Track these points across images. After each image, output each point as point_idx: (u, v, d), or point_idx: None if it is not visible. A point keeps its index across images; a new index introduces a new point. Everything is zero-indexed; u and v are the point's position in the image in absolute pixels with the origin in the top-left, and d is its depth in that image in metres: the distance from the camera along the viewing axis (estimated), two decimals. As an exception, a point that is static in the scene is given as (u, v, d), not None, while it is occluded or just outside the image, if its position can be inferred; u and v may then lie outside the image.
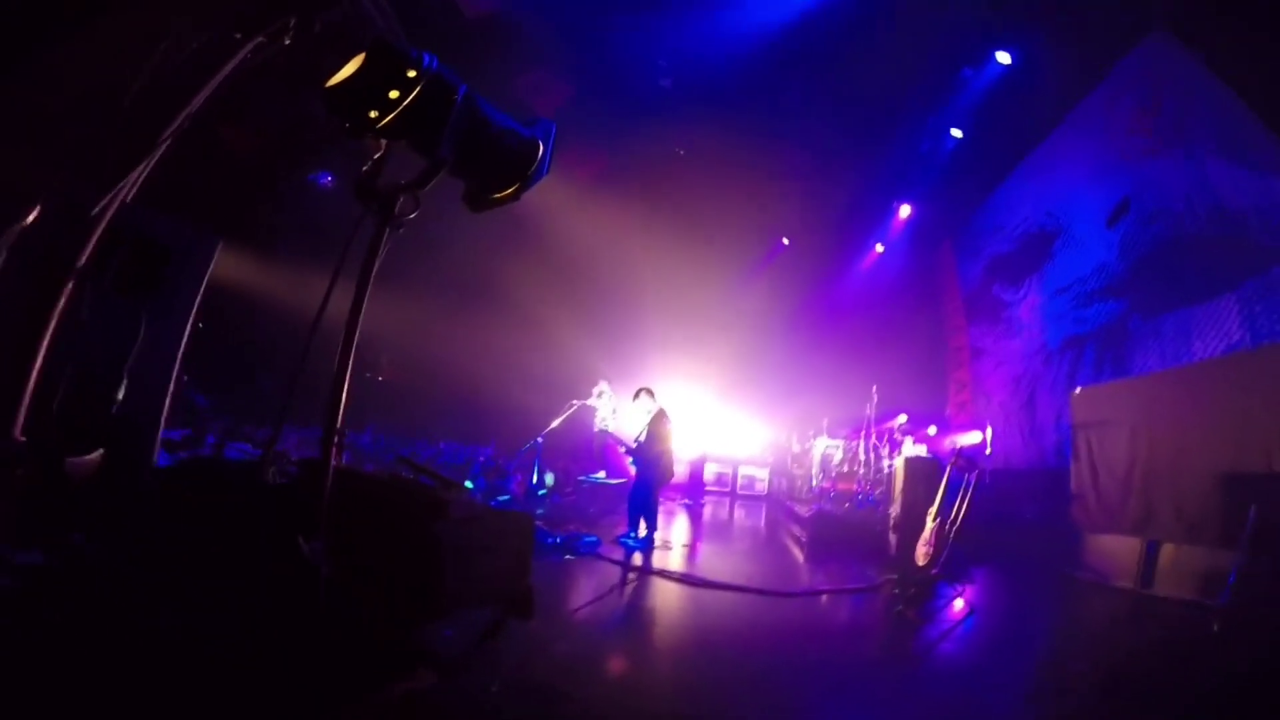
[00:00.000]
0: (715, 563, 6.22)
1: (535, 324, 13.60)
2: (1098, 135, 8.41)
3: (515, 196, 1.69)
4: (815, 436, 10.73)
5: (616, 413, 9.56)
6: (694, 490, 11.80)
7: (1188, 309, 6.40)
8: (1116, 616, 4.76)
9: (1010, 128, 10.31)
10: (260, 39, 1.37)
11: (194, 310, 4.19)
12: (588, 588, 4.80)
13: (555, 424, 8.33)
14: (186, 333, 4.16)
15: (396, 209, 1.50)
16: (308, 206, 10.70)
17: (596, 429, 9.68)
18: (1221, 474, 4.43)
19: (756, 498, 12.91)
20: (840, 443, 9.90)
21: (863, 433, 9.55)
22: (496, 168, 1.66)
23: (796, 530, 8.35)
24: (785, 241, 15.43)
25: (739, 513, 11.39)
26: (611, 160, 12.46)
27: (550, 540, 5.90)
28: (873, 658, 3.81)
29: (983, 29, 8.70)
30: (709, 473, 12.73)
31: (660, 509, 7.27)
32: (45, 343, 2.41)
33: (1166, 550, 5.04)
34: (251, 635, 1.55)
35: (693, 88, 10.61)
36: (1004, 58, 9.03)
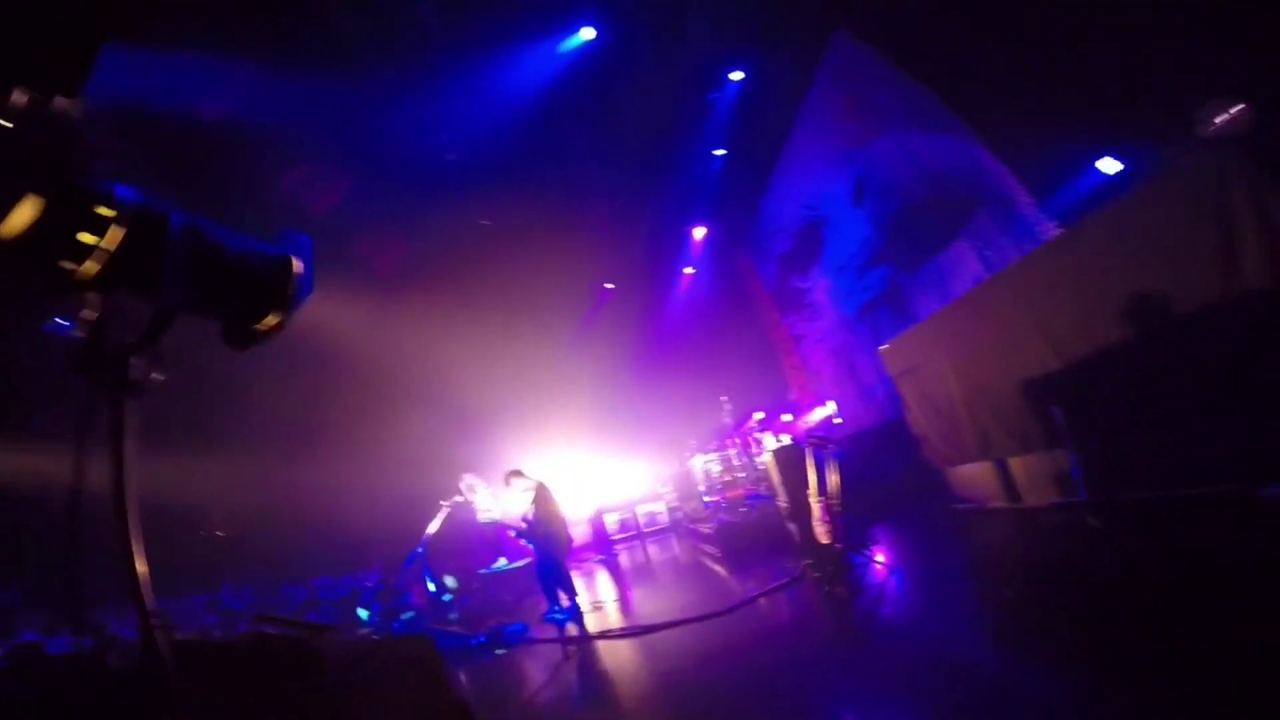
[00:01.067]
0: (648, 606, 6.26)
1: (385, 437, 12.73)
2: (823, 129, 9.78)
3: (282, 325, 1.46)
4: (690, 457, 11.14)
5: (497, 498, 9.31)
6: (603, 544, 11.74)
7: (935, 259, 7.70)
8: (1006, 535, 5.02)
9: (760, 138, 11.50)
10: None
11: None
12: (535, 673, 4.59)
13: (432, 529, 8.07)
14: None
15: (132, 375, 1.22)
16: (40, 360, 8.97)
17: (482, 520, 9.30)
18: (1022, 383, 4.90)
19: (663, 531, 13.08)
20: (714, 455, 10.29)
21: (728, 439, 10.11)
22: (245, 298, 1.43)
23: (708, 549, 8.60)
24: (610, 286, 16.15)
25: (652, 550, 11.47)
26: (415, 246, 12.13)
27: (475, 641, 5.64)
28: (827, 639, 4.00)
29: (712, 56, 9.71)
30: (611, 523, 12.73)
31: (575, 572, 7.13)
32: None
33: (1015, 465, 5.39)
34: None
35: (479, 156, 10.73)
36: (737, 75, 10.13)
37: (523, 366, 14.72)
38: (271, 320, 1.42)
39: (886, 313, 9.51)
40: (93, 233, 1.15)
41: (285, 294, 1.42)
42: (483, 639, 5.78)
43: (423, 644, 2.50)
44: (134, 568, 1.19)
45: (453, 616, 7.58)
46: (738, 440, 10.02)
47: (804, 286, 12.37)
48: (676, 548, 10.85)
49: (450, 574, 9.23)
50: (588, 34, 9.18)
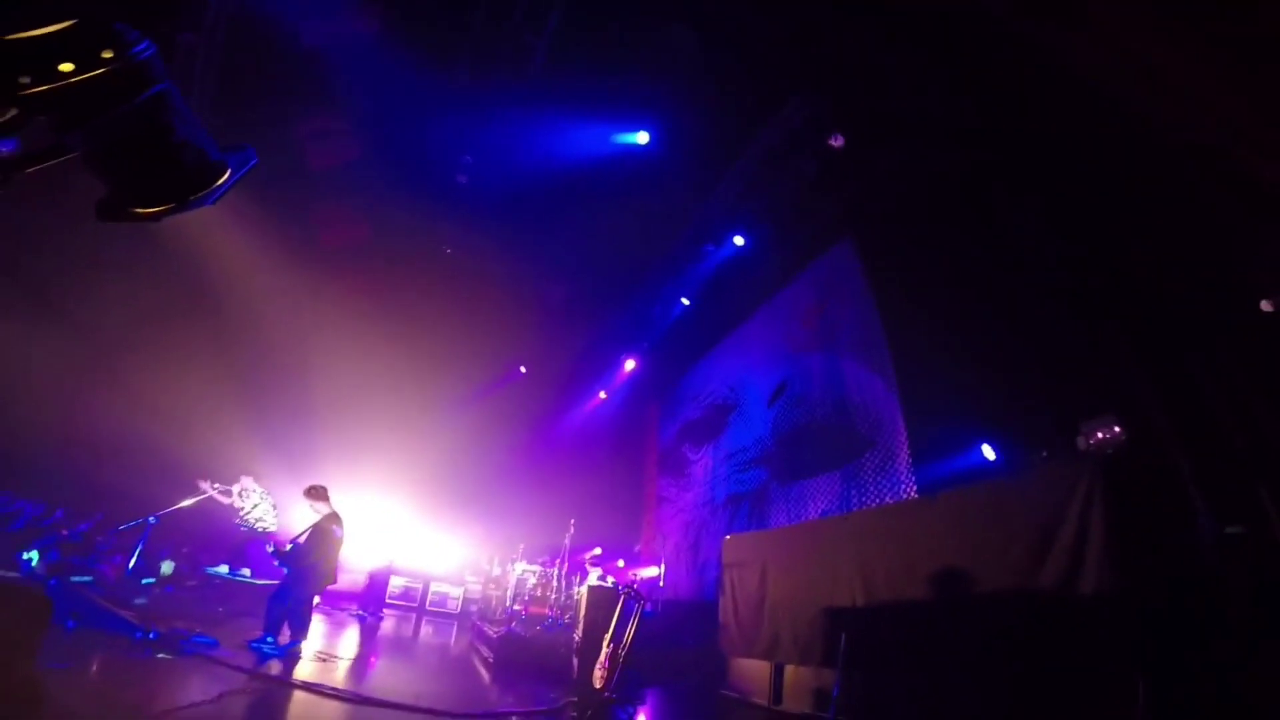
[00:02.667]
0: (386, 680, 5.55)
1: (190, 387, 11.20)
2: (780, 325, 10.21)
3: (156, 217, 1.43)
4: (514, 560, 10.73)
5: (273, 509, 8.57)
6: (372, 601, 10.53)
7: (808, 480, 8.09)
8: None
9: (726, 306, 11.85)
10: None
11: None
12: (185, 691, 3.61)
13: (183, 504, 7.23)
14: None
15: None
16: None
17: (245, 529, 8.35)
18: (825, 608, 5.39)
19: (448, 615, 12.21)
20: (537, 568, 10.01)
21: (558, 560, 9.85)
22: (154, 180, 1.41)
23: (485, 650, 8.05)
24: (523, 370, 15.90)
25: (425, 629, 10.57)
26: (371, 232, 11.76)
27: (139, 634, 4.81)
28: None
29: (731, 213, 10.05)
30: (394, 585, 11.53)
31: (326, 618, 6.15)
32: None
33: (789, 671, 5.82)
34: None
35: (482, 194, 10.70)
36: (739, 240, 10.35)
37: (395, 399, 13.81)
38: (158, 210, 1.36)
39: (746, 510, 9.74)
40: (77, 65, 1.14)
41: (193, 196, 1.38)
42: (154, 635, 4.87)
43: (32, 599, 2.28)
44: None
45: (139, 601, 6.55)
46: (565, 565, 9.79)
47: (691, 458, 12.58)
48: (453, 637, 10.08)
49: (172, 560, 8.21)
50: (642, 138, 9.48)
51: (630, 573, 10.97)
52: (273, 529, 8.37)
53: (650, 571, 10.73)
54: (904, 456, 6.60)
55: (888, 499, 6.46)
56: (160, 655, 4.47)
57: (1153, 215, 4.74)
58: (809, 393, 8.82)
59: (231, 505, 8.13)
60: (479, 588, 12.65)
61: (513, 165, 10.13)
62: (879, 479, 6.81)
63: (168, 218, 1.38)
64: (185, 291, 10.90)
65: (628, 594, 5.83)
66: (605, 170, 9.85)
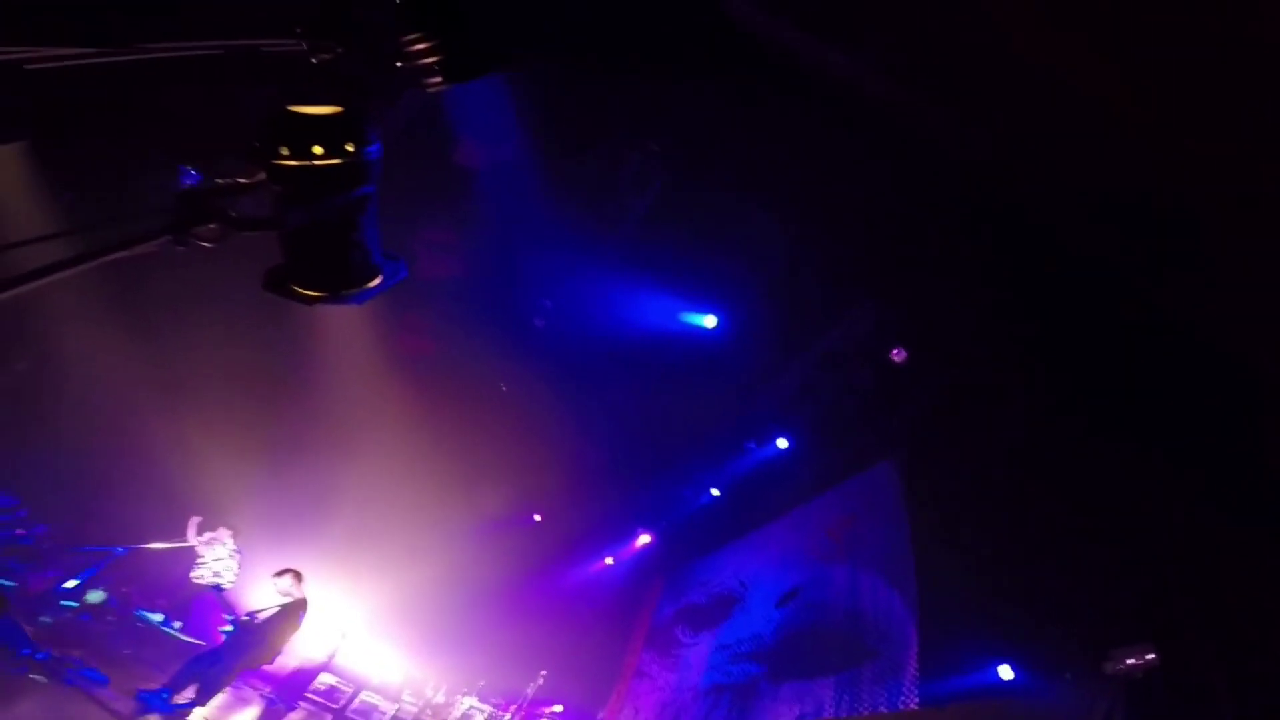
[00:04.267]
0: None
1: (215, 430, 11.24)
2: (805, 532, 9.86)
3: (310, 301, 1.60)
4: (465, 694, 10.16)
5: (235, 568, 8.23)
6: (290, 690, 9.62)
7: (800, 682, 7.41)
8: None
9: (754, 503, 11.36)
10: (302, 45, 1.33)
11: None
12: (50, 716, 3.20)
13: (160, 546, 7.37)
14: None
15: (199, 231, 1.39)
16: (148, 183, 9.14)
17: (202, 580, 7.97)
18: None
19: None
20: (488, 709, 9.61)
21: (514, 707, 9.48)
22: (323, 267, 1.58)
23: None
24: (537, 518, 15.48)
25: None
26: (435, 348, 12.28)
27: (28, 651, 4.52)
28: None
29: (780, 414, 10.04)
30: (320, 680, 10.54)
31: (231, 691, 5.64)
32: None
33: None
34: None
35: (552, 341, 10.93)
36: (783, 444, 10.21)
37: (399, 500, 13.59)
38: (313, 295, 1.56)
39: (728, 702, 8.90)
40: (325, 150, 1.37)
41: (346, 291, 1.57)
42: (41, 656, 4.68)
43: None
44: None
45: (44, 619, 6.21)
46: (521, 713, 9.44)
47: (684, 641, 11.81)
48: None
49: (104, 589, 7.63)
50: (710, 321, 9.62)
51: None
52: (227, 587, 7.99)
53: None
54: (910, 669, 6.01)
55: (883, 709, 5.91)
56: (34, 676, 4.06)
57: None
58: (821, 599, 8.37)
59: (194, 549, 7.88)
60: (415, 710, 11.27)
61: (586, 321, 10.52)
62: (876, 689, 6.27)
63: (318, 304, 1.56)
64: (260, 348, 11.58)
65: None
66: (668, 346, 10.08)
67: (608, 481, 13.75)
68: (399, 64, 1.50)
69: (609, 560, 15.45)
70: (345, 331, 11.55)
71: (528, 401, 12.27)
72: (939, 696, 5.34)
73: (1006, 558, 5.63)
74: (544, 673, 9.66)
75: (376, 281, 1.59)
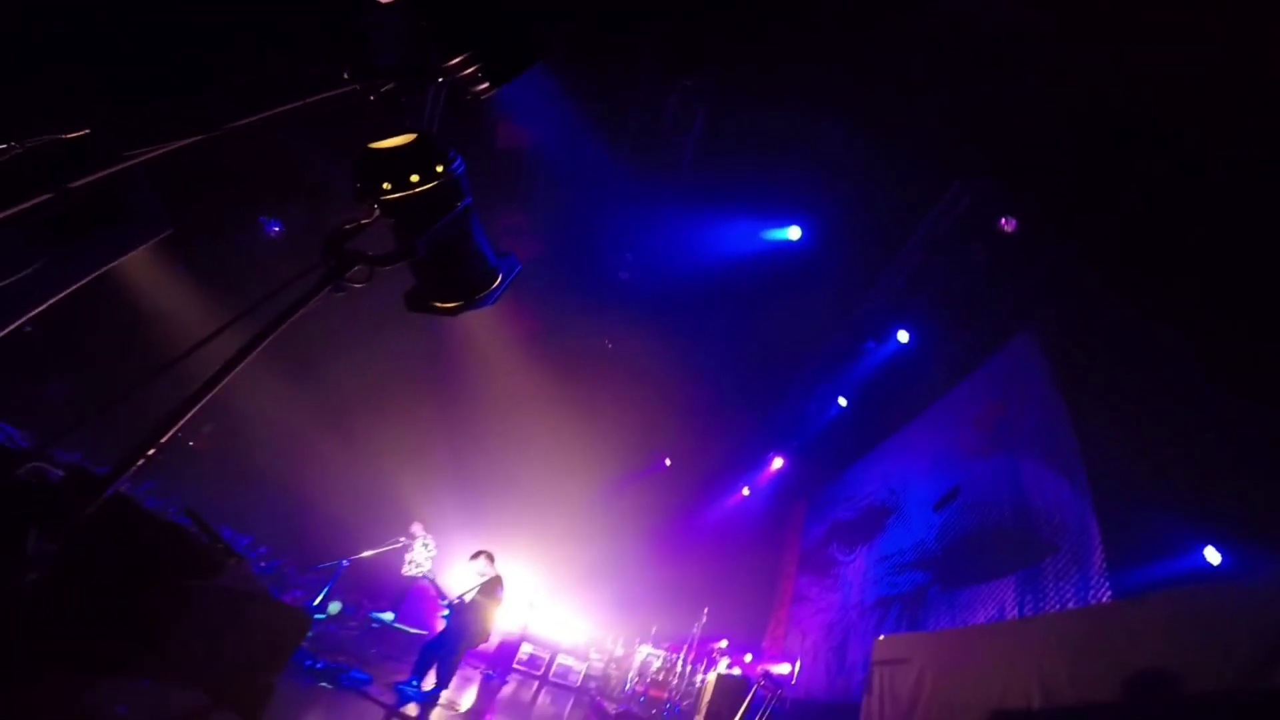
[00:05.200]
0: None
1: (384, 448, 12.63)
2: (950, 427, 9.37)
3: (453, 312, 1.73)
4: (640, 643, 10.65)
5: (431, 558, 8.87)
6: (500, 663, 10.75)
7: (977, 587, 7.20)
8: None
9: (888, 406, 11.00)
10: (356, 86, 1.44)
11: (97, 272, 3.65)
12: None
13: (370, 553, 7.72)
14: (69, 290, 3.54)
15: (348, 274, 1.52)
16: (246, 245, 10.26)
17: (409, 573, 8.75)
18: (989, 711, 4.75)
19: (568, 688, 11.87)
20: (662, 653, 9.88)
21: (685, 647, 9.75)
22: (451, 280, 1.71)
23: None
24: (668, 462, 16.02)
25: (544, 698, 10.45)
26: (544, 324, 12.76)
27: (309, 663, 5.14)
28: None
29: (894, 307, 9.52)
30: (523, 651, 11.78)
31: (456, 673, 6.50)
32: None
33: None
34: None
35: (643, 289, 11.20)
36: (904, 337, 9.65)
37: (553, 474, 14.64)
38: (451, 306, 1.68)
39: (896, 614, 8.91)
40: (420, 176, 1.48)
41: (478, 296, 1.70)
42: (320, 665, 5.34)
43: (301, 619, 2.43)
44: (194, 403, 1.35)
45: (308, 635, 6.99)
46: (691, 653, 9.64)
47: (840, 559, 11.81)
48: (569, 708, 9.95)
49: (340, 601, 8.70)
50: (793, 233, 9.49)
51: (759, 667, 10.38)
52: (431, 575, 8.65)
53: (782, 668, 10.04)
54: (1096, 560, 5.69)
55: (1071, 605, 5.69)
56: (322, 684, 4.98)
57: None
58: (983, 498, 7.96)
59: (398, 549, 8.54)
60: (601, 665, 12.61)
61: (669, 263, 10.60)
62: (1061, 585, 6.01)
63: (457, 316, 1.69)
64: (400, 362, 12.41)
65: (762, 685, 5.69)
66: (757, 267, 9.95)
67: (729, 413, 13.98)
68: (443, 79, 1.58)
69: (745, 491, 15.78)
70: (466, 331, 12.47)
71: (635, 352, 12.70)
72: (1134, 587, 5.06)
73: (1185, 420, 5.11)
74: (706, 610, 10.11)
75: (499, 281, 1.71)
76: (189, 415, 1.32)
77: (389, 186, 1.48)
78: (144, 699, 2.06)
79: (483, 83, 1.65)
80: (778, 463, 14.69)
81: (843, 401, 11.89)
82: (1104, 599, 5.26)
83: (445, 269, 1.66)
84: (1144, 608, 4.22)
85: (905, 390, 10.45)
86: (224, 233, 9.89)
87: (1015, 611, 6.29)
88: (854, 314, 10.28)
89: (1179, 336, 5.51)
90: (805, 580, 13.02)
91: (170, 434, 1.28)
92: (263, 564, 9.21)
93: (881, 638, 6.94)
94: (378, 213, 1.52)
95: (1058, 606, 5.80)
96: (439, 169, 1.50)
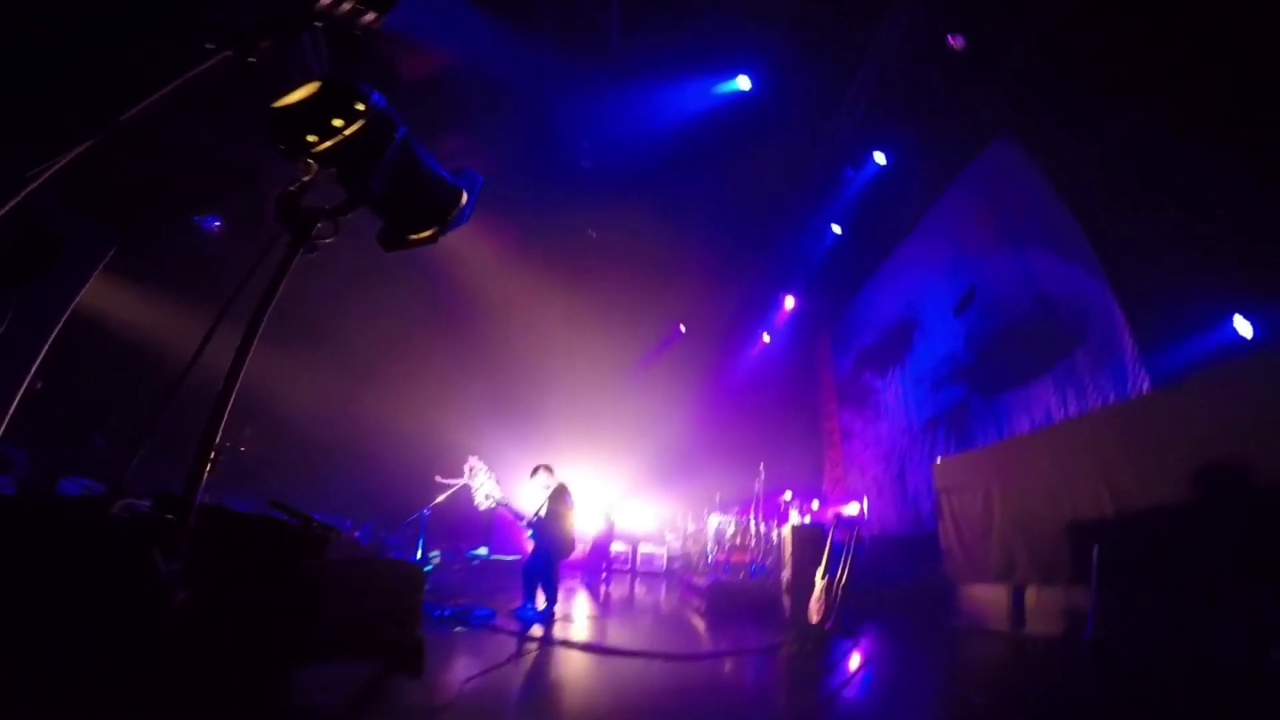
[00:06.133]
0: (618, 633, 6.14)
1: (418, 395, 13.09)
2: (950, 233, 9.46)
3: (431, 240, 1.73)
4: (709, 513, 11.07)
5: (498, 484, 9.18)
6: (594, 567, 11.53)
7: (1016, 391, 7.39)
8: (998, 654, 5.04)
9: (881, 225, 11.36)
10: (227, 53, 1.37)
11: (68, 311, 3.72)
12: (482, 657, 4.47)
13: (442, 498, 7.99)
14: (53, 334, 3.64)
15: (313, 232, 1.50)
16: (191, 246, 10.06)
17: (482, 505, 9.14)
18: (1065, 522, 4.98)
19: (656, 574, 12.82)
20: (732, 518, 10.24)
21: (752, 507, 10.03)
22: (418, 210, 1.69)
23: (695, 601, 8.42)
24: (682, 329, 16.22)
25: (639, 589, 11.21)
26: (522, 234, 12.69)
27: (440, 613, 5.60)
28: (781, 710, 3.80)
29: (863, 130, 9.58)
30: (610, 550, 12.58)
31: (560, 584, 7.03)
32: None
33: (1031, 593, 5.50)
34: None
35: (609, 173, 11.07)
36: (880, 158, 9.92)
37: (580, 376, 15.00)
38: (426, 234, 1.68)
39: (946, 431, 9.19)
40: (343, 120, 1.43)
41: (449, 218, 1.68)
42: (448, 613, 5.69)
43: (414, 570, 2.58)
44: (228, 398, 1.42)
45: (426, 588, 7.54)
46: (760, 511, 9.93)
47: (876, 386, 12.05)
48: (664, 592, 10.63)
49: (438, 549, 9.25)
50: (743, 83, 9.39)
51: (829, 511, 10.97)
52: (503, 501, 9.21)
53: (851, 508, 10.64)
54: (1127, 345, 5.73)
55: (1112, 397, 5.71)
56: (458, 629, 5.39)
57: None
58: (1000, 295, 8.02)
59: (466, 486, 8.52)
60: (679, 544, 13.32)
61: (628, 140, 10.38)
62: (1097, 375, 6.05)
63: (436, 241, 1.69)
64: (405, 309, 12.71)
65: (837, 528, 5.89)
66: (718, 123, 9.83)
67: (728, 267, 14.03)
68: (321, 21, 1.54)
69: (765, 338, 15.95)
70: (452, 262, 12.36)
71: (621, 234, 12.74)
72: (1170, 371, 5.06)
73: (1178, 186, 5.01)
74: (763, 465, 10.33)
75: (466, 198, 1.72)
76: (225, 414, 1.41)
77: (315, 139, 1.44)
78: (328, 681, 2.27)
79: (366, 13, 1.57)
80: (789, 302, 14.78)
81: (837, 229, 12.02)
82: (1143, 388, 5.33)
83: (408, 201, 1.66)
84: (1186, 393, 4.26)
85: (896, 208, 10.69)
86: (165, 238, 9.63)
87: (1061, 412, 6.43)
88: (825, 146, 10.26)
89: (1152, 101, 5.38)
90: (847, 415, 13.48)
91: (219, 436, 1.39)
92: (355, 534, 9.76)
93: (939, 461, 7.21)
94: (315, 167, 1.49)
95: (1099, 402, 5.88)
96: (359, 107, 1.46)
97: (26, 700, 1.25)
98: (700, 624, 7.14)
